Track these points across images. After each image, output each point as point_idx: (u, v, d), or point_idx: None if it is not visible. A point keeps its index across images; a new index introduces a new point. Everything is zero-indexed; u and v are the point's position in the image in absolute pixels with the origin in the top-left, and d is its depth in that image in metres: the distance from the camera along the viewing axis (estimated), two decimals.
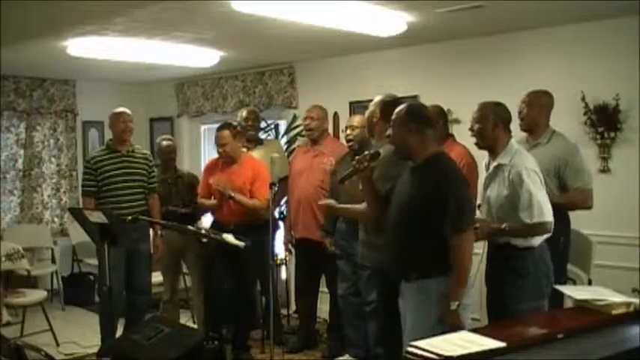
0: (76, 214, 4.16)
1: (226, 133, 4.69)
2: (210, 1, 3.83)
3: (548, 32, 4.60)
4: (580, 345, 2.30)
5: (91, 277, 6.67)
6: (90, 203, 4.64)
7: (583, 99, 4.42)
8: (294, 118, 6.02)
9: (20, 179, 6.94)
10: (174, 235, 4.97)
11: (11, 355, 3.37)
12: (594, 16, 4.29)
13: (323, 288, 5.08)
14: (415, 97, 5.02)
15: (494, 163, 3.30)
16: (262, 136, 5.63)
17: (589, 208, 3.77)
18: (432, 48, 5.25)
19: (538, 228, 3.14)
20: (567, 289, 2.99)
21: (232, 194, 4.56)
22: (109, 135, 5.12)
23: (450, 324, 2.83)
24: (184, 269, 5.49)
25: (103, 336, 4.60)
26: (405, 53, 5.40)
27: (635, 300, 2.62)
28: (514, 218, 3.15)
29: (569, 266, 4.00)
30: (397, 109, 3.15)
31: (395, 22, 4.40)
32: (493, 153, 3.34)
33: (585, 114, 4.44)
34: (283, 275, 6.07)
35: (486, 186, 3.36)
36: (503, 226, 3.18)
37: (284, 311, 5.74)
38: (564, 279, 3.71)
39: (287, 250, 5.29)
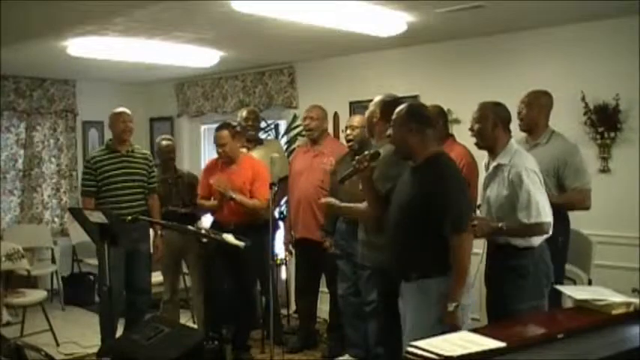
0: (76, 214, 4.16)
1: (225, 133, 4.69)
2: (210, 1, 3.83)
3: (548, 32, 4.60)
4: (580, 345, 2.30)
5: (91, 277, 6.67)
6: (90, 203, 4.64)
7: (583, 99, 4.42)
8: (294, 118, 6.01)
9: (20, 179, 6.94)
10: (174, 235, 4.97)
11: (11, 355, 3.37)
12: (594, 16, 4.29)
13: (323, 288, 5.08)
14: (415, 97, 5.02)
15: (494, 163, 3.30)
16: (262, 136, 5.62)
17: (587, 208, 3.77)
18: (432, 48, 5.25)
19: (536, 228, 3.14)
20: (567, 289, 2.99)
21: (233, 195, 4.56)
22: (109, 135, 5.11)
23: (447, 324, 2.83)
24: (184, 269, 5.49)
25: (103, 336, 4.60)
26: (405, 53, 5.40)
27: (635, 300, 2.61)
28: (513, 218, 3.15)
29: (569, 266, 4.00)
30: (397, 109, 3.16)
31: (395, 22, 4.40)
32: (493, 153, 3.34)
33: (585, 114, 4.44)
34: (283, 275, 6.07)
35: (486, 186, 3.37)
36: (500, 224, 3.19)
37: (284, 311, 5.74)
38: (563, 279, 3.72)
39: (287, 250, 5.29)
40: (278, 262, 5.55)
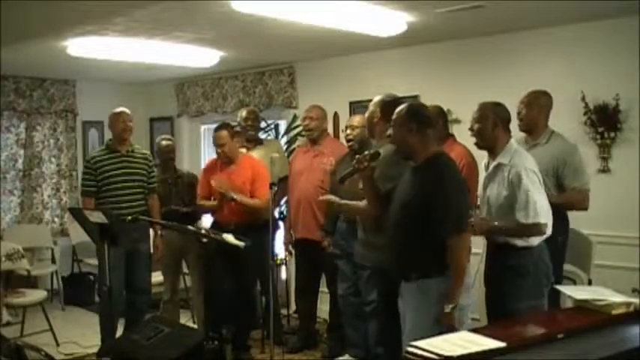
0: (76, 214, 4.16)
1: (224, 133, 4.69)
2: (210, 1, 3.83)
3: (548, 32, 4.60)
4: (580, 345, 2.30)
5: (91, 277, 6.67)
6: (90, 203, 4.64)
7: (583, 99, 4.42)
8: (294, 118, 6.01)
9: (20, 179, 6.93)
10: (174, 235, 4.97)
11: (11, 355, 3.37)
12: (594, 16, 4.29)
13: (323, 288, 5.08)
14: (415, 97, 5.02)
15: (494, 163, 3.30)
16: (262, 136, 5.63)
17: (585, 209, 3.77)
18: (432, 48, 5.25)
19: (533, 229, 3.15)
20: (567, 289, 2.99)
21: (234, 196, 4.56)
22: (109, 135, 5.11)
23: (444, 325, 2.83)
24: (185, 269, 5.49)
25: (103, 336, 4.60)
26: (405, 53, 5.40)
27: (635, 300, 2.62)
28: (512, 218, 3.16)
29: (569, 266, 4.00)
30: (398, 109, 3.16)
31: (395, 22, 4.40)
32: (493, 153, 3.35)
33: (585, 114, 4.44)
34: (283, 275, 6.07)
35: (485, 186, 3.37)
36: (497, 223, 3.20)
37: (284, 311, 5.74)
38: (561, 278, 3.72)
39: (287, 250, 5.29)
40: (278, 262, 5.55)
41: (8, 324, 5.37)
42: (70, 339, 5.39)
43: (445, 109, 4.33)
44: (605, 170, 4.44)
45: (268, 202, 4.49)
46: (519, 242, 3.20)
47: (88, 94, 7.25)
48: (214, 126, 4.90)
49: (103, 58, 5.51)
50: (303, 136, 5.37)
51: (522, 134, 3.88)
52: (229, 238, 4.02)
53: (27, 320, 5.44)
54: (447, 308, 2.90)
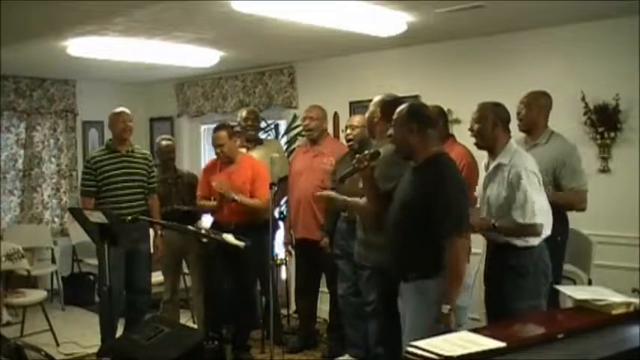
0: (76, 214, 4.16)
1: (223, 133, 4.69)
2: (210, 1, 3.83)
3: (548, 32, 4.60)
4: (580, 345, 2.30)
5: (91, 277, 6.67)
6: (89, 203, 4.64)
7: (583, 99, 4.42)
8: (294, 118, 6.01)
9: (20, 179, 6.93)
10: (174, 235, 4.97)
11: (11, 355, 3.37)
12: (594, 16, 4.29)
13: (323, 288, 5.08)
14: (415, 97, 5.01)
15: (494, 163, 3.30)
16: (262, 136, 5.63)
17: (582, 209, 3.77)
18: (432, 48, 5.25)
19: (529, 229, 3.15)
20: (567, 289, 2.99)
21: (235, 197, 4.56)
22: (109, 135, 5.11)
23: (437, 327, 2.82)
24: (185, 269, 5.49)
25: (103, 336, 4.60)
26: (405, 53, 5.40)
27: (635, 300, 2.61)
28: (511, 218, 3.16)
29: (569, 266, 4.01)
30: (399, 109, 3.15)
31: (395, 22, 4.40)
32: (492, 153, 3.35)
33: (585, 114, 4.44)
34: (283, 275, 6.07)
35: (485, 186, 3.37)
36: (493, 221, 3.20)
37: (284, 311, 5.74)
38: (561, 278, 3.72)
39: (286, 250, 5.29)
40: (278, 262, 5.56)
41: (8, 324, 5.37)
42: (70, 339, 5.39)
43: (445, 109, 4.34)
44: (605, 170, 4.44)
45: (268, 202, 4.49)
46: (519, 242, 3.20)
47: (88, 94, 7.25)
48: (214, 126, 4.90)
49: (103, 58, 5.51)
50: (303, 136, 5.37)
51: (522, 134, 3.89)
52: (229, 238, 4.02)
53: (27, 320, 5.44)
54: (445, 309, 2.89)
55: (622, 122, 4.35)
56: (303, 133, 5.15)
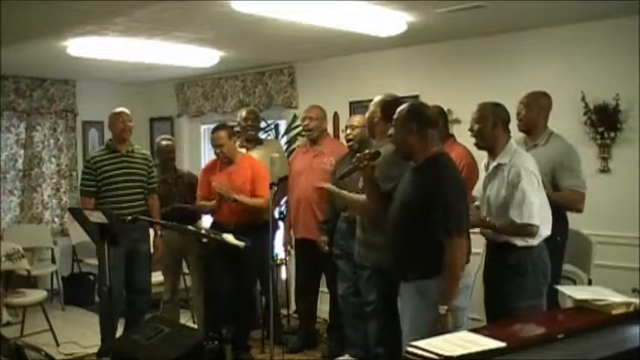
0: (76, 214, 4.16)
1: (222, 133, 4.69)
2: (210, 1, 3.83)
3: (548, 32, 4.60)
4: (580, 345, 2.30)
5: (91, 277, 6.67)
6: (89, 203, 4.64)
7: (583, 99, 4.42)
8: (294, 118, 6.01)
9: (20, 179, 6.94)
10: (174, 235, 4.97)
11: (11, 355, 3.37)
12: (594, 16, 4.29)
13: (323, 288, 5.08)
14: (415, 97, 5.01)
15: (494, 163, 3.30)
16: (262, 136, 5.62)
17: (580, 210, 3.77)
18: (432, 48, 5.25)
19: (525, 229, 3.15)
20: (567, 289, 2.99)
21: (237, 197, 4.56)
22: (108, 135, 5.11)
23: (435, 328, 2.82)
24: (185, 269, 5.49)
25: (103, 336, 4.60)
26: (405, 53, 5.40)
27: (635, 300, 2.61)
28: (509, 217, 3.17)
29: (569, 266, 4.01)
30: (399, 109, 3.15)
31: (395, 22, 4.40)
32: (492, 153, 3.35)
33: (585, 114, 4.44)
34: (283, 275, 6.07)
35: (485, 186, 3.37)
36: (489, 218, 3.21)
37: (284, 311, 5.74)
38: (560, 278, 3.73)
39: (286, 251, 5.29)
40: (278, 262, 5.56)
41: (8, 324, 5.37)
42: (70, 339, 5.39)
43: (445, 109, 4.34)
44: (605, 170, 4.44)
45: (268, 202, 4.49)
46: (519, 242, 3.20)
47: (88, 94, 7.25)
48: (214, 126, 4.90)
49: (103, 58, 5.51)
50: (303, 136, 5.37)
51: (521, 135, 3.88)
52: (229, 238, 4.02)
53: (27, 320, 5.44)
54: (442, 310, 2.89)
55: (622, 122, 4.35)
56: (303, 133, 5.14)
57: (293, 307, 5.68)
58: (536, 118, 3.84)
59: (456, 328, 2.83)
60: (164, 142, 5.39)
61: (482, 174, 3.49)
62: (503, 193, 3.20)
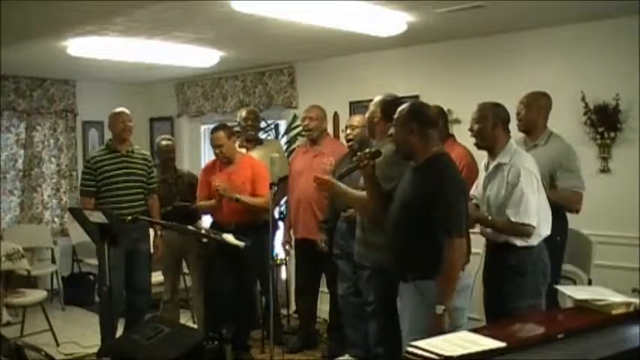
0: (76, 214, 4.16)
1: (221, 134, 4.69)
2: (210, 1, 3.83)
3: (548, 32, 4.60)
4: (580, 345, 2.30)
5: (91, 277, 6.67)
6: (89, 203, 4.64)
7: (583, 99, 4.42)
8: (294, 118, 6.01)
9: (20, 179, 6.94)
10: (174, 235, 4.97)
11: (11, 355, 3.37)
12: (594, 16, 4.29)
13: (323, 288, 5.08)
14: (416, 97, 5.01)
15: (494, 163, 3.30)
16: (262, 136, 5.62)
17: (577, 211, 3.77)
18: (432, 48, 5.25)
19: (520, 228, 3.15)
20: (567, 289, 2.99)
21: (238, 197, 4.56)
22: (108, 135, 5.12)
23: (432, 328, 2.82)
24: (185, 269, 5.49)
25: (103, 336, 4.60)
26: (405, 53, 5.40)
27: (635, 300, 2.61)
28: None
29: (569, 266, 4.01)
30: (400, 109, 3.15)
31: (395, 22, 4.40)
32: (492, 153, 3.35)
33: (585, 114, 4.44)
34: (283, 275, 6.07)
35: (485, 186, 3.37)
36: (486, 214, 3.22)
37: (284, 311, 5.74)
38: (559, 278, 3.73)
39: (285, 250, 5.29)
40: (278, 262, 5.56)
41: (8, 324, 5.37)
42: (70, 339, 5.39)
43: (445, 109, 4.34)
44: (605, 170, 4.44)
45: (268, 202, 4.49)
46: (519, 242, 3.20)
47: (88, 94, 7.25)
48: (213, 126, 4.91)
49: (103, 58, 5.51)
50: (303, 136, 5.37)
51: (521, 135, 3.88)
52: (229, 238, 4.02)
53: (27, 320, 5.44)
54: (438, 310, 2.88)
55: (622, 122, 4.35)
56: (303, 133, 5.14)
57: (293, 307, 5.68)
58: (536, 118, 3.84)
59: (455, 328, 2.83)
60: (164, 142, 5.39)
61: (482, 174, 3.49)
62: (503, 192, 3.21)
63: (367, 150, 3.33)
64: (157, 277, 5.33)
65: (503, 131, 3.31)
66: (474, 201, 3.44)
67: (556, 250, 3.54)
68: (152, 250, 4.96)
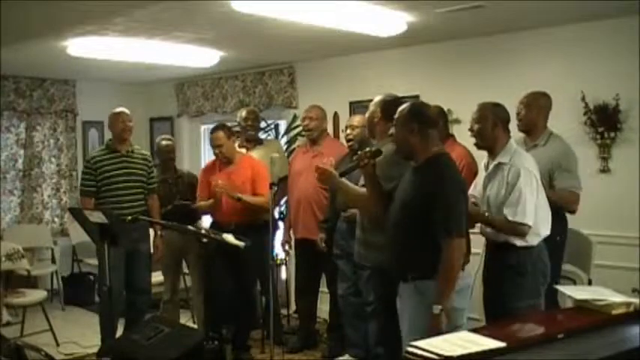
0: (76, 214, 4.16)
1: (220, 134, 4.69)
2: (210, 1, 3.83)
3: (548, 32, 4.60)
4: (580, 345, 2.30)
5: (91, 277, 6.67)
6: (89, 203, 4.64)
7: (583, 99, 4.42)
8: (294, 118, 6.01)
9: (20, 179, 6.94)
10: (174, 235, 4.97)
11: (11, 355, 3.37)
12: (594, 16, 4.29)
13: (323, 288, 5.08)
14: (416, 97, 5.00)
15: (494, 163, 3.30)
16: (262, 136, 5.63)
17: (573, 211, 3.77)
18: (432, 48, 5.25)
19: (517, 227, 3.15)
20: (567, 289, 2.99)
21: (240, 197, 4.56)
22: (108, 135, 5.12)
23: (432, 328, 2.82)
24: (185, 269, 5.49)
25: (103, 336, 4.60)
26: (405, 53, 5.40)
27: (635, 300, 2.61)
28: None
29: (569, 266, 4.01)
30: (400, 109, 3.14)
31: (395, 22, 4.40)
32: (492, 153, 3.35)
33: (585, 114, 4.44)
34: (283, 275, 6.07)
35: (485, 185, 3.37)
36: (484, 211, 3.23)
37: (284, 311, 5.74)
38: (559, 278, 3.73)
39: (285, 250, 5.29)
40: (278, 262, 5.56)
41: (8, 324, 5.37)
42: (70, 339, 5.39)
43: (445, 109, 4.34)
44: (605, 170, 4.44)
45: (268, 202, 4.49)
46: (519, 242, 3.21)
47: (88, 94, 7.25)
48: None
49: (103, 58, 5.51)
50: (303, 136, 5.37)
51: (521, 135, 3.88)
52: (229, 238, 4.02)
53: (27, 320, 5.44)
54: (435, 310, 2.87)
55: (622, 122, 4.35)
56: (303, 133, 5.14)
57: (293, 307, 5.68)
58: (536, 118, 3.85)
59: (455, 329, 2.83)
60: (164, 142, 5.39)
61: (482, 174, 3.49)
62: (502, 192, 3.21)
63: (368, 149, 3.32)
64: (157, 277, 5.33)
65: (503, 131, 3.31)
66: (472, 200, 3.44)
67: (556, 250, 3.55)
68: (152, 250, 4.96)
